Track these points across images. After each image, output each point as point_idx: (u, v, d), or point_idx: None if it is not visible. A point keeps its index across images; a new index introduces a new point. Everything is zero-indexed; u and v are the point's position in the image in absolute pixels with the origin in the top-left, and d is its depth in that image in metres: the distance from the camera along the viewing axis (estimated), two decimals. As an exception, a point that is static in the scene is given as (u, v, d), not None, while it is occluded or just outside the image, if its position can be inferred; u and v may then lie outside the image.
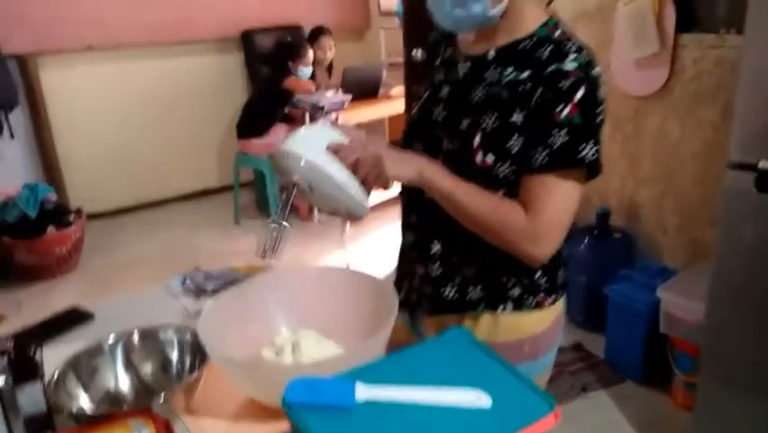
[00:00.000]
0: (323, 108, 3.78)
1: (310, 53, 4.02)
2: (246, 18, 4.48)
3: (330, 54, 4.23)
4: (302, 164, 0.98)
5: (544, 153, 0.98)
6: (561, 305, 1.18)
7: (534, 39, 1.03)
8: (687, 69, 2.40)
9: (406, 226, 1.23)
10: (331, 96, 3.88)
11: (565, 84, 0.96)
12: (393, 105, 4.15)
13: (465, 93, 1.07)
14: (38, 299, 3.20)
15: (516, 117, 1.00)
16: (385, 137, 4.58)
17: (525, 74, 1.01)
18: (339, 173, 1.01)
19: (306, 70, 4.01)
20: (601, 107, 1.00)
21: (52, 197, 3.58)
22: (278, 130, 4.00)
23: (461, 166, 1.04)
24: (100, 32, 4.06)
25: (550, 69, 0.98)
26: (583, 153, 0.97)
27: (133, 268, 3.61)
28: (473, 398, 0.79)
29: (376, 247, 3.57)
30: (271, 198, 4.03)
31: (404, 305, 1.22)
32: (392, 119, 4.38)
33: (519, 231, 1.00)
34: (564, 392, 2.31)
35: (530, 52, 1.02)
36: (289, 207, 1.03)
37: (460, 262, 1.12)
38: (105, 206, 4.37)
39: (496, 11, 1.01)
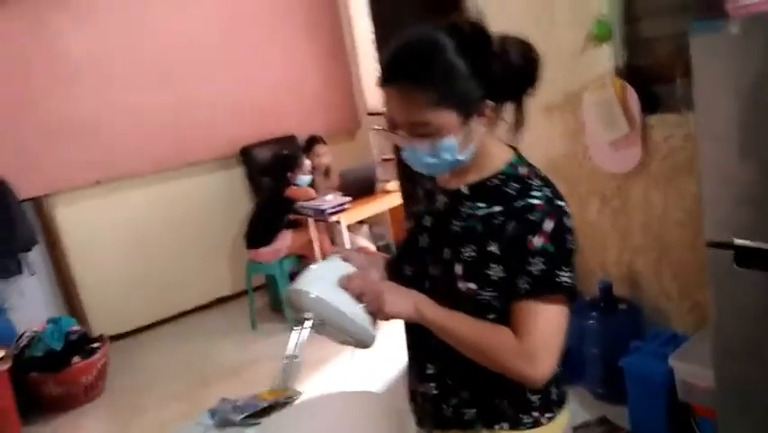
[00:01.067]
0: (325, 211, 3.95)
1: (306, 162, 4.25)
2: (243, 135, 4.75)
3: (325, 160, 4.46)
4: (313, 301, 1.09)
5: (525, 281, 1.06)
6: (562, 422, 1.22)
7: (503, 176, 1.14)
8: (659, 147, 2.55)
9: (407, 345, 1.32)
10: (331, 199, 4.06)
11: (534, 216, 1.06)
12: (390, 198, 4.32)
13: (445, 224, 1.18)
14: (70, 428, 3.28)
15: (492, 248, 1.09)
16: (389, 230, 4.74)
17: (497, 209, 1.11)
18: (348, 307, 1.11)
19: (304, 178, 4.23)
20: (570, 235, 1.09)
21: (75, 327, 3.71)
22: (284, 236, 4.18)
23: (447, 291, 1.14)
24: (106, 168, 4.30)
25: (519, 204, 1.09)
26: (561, 279, 1.07)
27: (157, 386, 3.68)
28: None
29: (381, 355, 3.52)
30: (285, 300, 4.13)
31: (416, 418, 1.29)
32: (392, 211, 4.55)
33: (513, 352, 1.06)
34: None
35: (499, 188, 1.13)
36: (303, 341, 1.13)
37: (454, 384, 1.19)
38: (126, 327, 4.49)
39: (465, 156, 1.12)
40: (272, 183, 4.32)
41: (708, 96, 1.69)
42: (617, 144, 2.66)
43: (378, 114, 5.01)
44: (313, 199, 4.14)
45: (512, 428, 1.17)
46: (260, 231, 4.19)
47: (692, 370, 2.17)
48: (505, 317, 1.11)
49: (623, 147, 2.65)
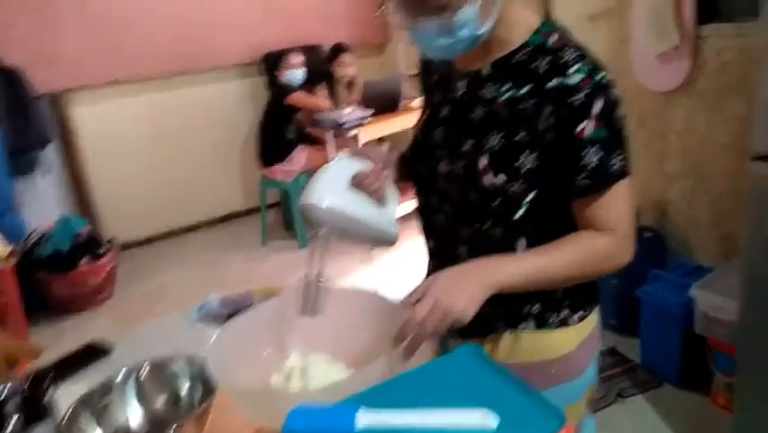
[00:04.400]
0: (343, 125, 3.79)
1: (293, 56, 4.00)
2: (266, 41, 4.55)
3: (350, 70, 4.24)
4: (325, 212, 0.98)
5: (584, 176, 0.94)
6: (592, 322, 1.11)
7: (530, 48, 0.97)
8: (710, 62, 2.33)
9: (427, 250, 1.20)
10: (350, 112, 3.89)
11: (577, 99, 0.91)
12: (414, 116, 4.13)
13: (464, 113, 1.04)
14: (75, 332, 3.28)
15: (522, 136, 0.96)
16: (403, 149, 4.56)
17: (525, 90, 0.96)
18: (366, 211, 1.02)
19: (291, 74, 3.97)
20: (620, 111, 0.95)
21: (85, 229, 3.68)
22: (300, 154, 4.03)
23: (470, 189, 1.01)
24: (125, 66, 4.17)
25: (553, 84, 0.93)
26: (620, 164, 0.95)
27: (166, 294, 3.68)
28: (479, 418, 0.77)
29: (404, 259, 3.56)
30: (297, 218, 4.06)
31: None
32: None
33: (614, 255, 0.98)
34: (600, 399, 2.24)
35: (526, 65, 0.97)
36: (323, 259, 1.01)
37: None
38: (138, 234, 4.48)
39: (485, 28, 0.95)
40: (271, 94, 4.11)
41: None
42: (664, 58, 2.44)
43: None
44: (318, 106, 3.92)
45: (538, 327, 1.07)
46: (270, 146, 4.03)
47: (715, 301, 2.04)
48: (535, 208, 0.99)
49: (670, 61, 2.43)
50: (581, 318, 1.08)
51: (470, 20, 0.92)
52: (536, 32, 0.98)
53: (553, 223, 1.01)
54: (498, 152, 0.98)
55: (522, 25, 0.99)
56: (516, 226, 1.01)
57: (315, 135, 4.09)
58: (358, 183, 1.04)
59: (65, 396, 1.02)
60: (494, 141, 0.98)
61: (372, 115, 3.94)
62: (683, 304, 2.17)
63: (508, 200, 0.99)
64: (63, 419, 0.96)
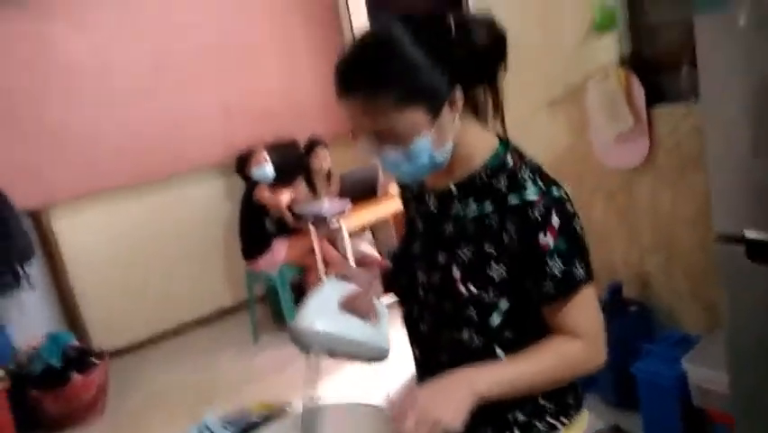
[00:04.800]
0: (325, 218, 3.86)
1: (257, 154, 4.12)
2: (238, 139, 4.59)
3: (326, 164, 4.36)
4: (319, 337, 1.02)
5: (550, 285, 1.00)
6: (581, 424, 1.15)
7: (489, 170, 1.06)
8: (665, 140, 2.45)
9: (413, 358, 1.24)
10: (329, 203, 3.98)
11: (535, 214, 0.98)
12: (393, 202, 4.22)
13: (437, 227, 1.11)
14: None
15: (489, 249, 1.02)
16: (393, 236, 4.63)
17: (489, 207, 1.03)
18: (357, 331, 1.06)
19: (260, 170, 4.08)
20: (577, 222, 1.03)
21: (74, 343, 3.64)
22: (279, 245, 4.08)
23: (446, 298, 1.06)
24: (101, 178, 4.24)
25: (512, 202, 1.00)
26: (583, 272, 1.01)
27: (159, 405, 3.60)
28: None
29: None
30: (286, 310, 4.07)
31: None
32: (396, 216, 4.44)
33: (585, 361, 1.03)
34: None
35: (487, 184, 1.05)
36: (318, 375, 1.05)
37: None
38: (127, 340, 4.41)
39: (443, 156, 1.04)
40: (244, 189, 4.21)
41: (714, 83, 1.60)
42: (622, 139, 2.56)
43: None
44: (278, 204, 4.03)
45: None
46: (250, 241, 4.11)
47: (706, 373, 2.07)
48: (509, 316, 1.05)
49: (628, 141, 2.55)
50: (568, 424, 1.12)
51: (424, 148, 1.01)
52: (495, 155, 1.07)
53: (529, 330, 1.06)
54: (469, 264, 1.04)
55: (481, 146, 1.08)
56: (494, 335, 1.06)
57: (294, 226, 4.15)
58: (348, 304, 1.09)
59: None
60: (465, 254, 1.05)
61: (352, 204, 4.02)
62: (677, 377, 2.19)
63: (483, 309, 1.04)
64: None
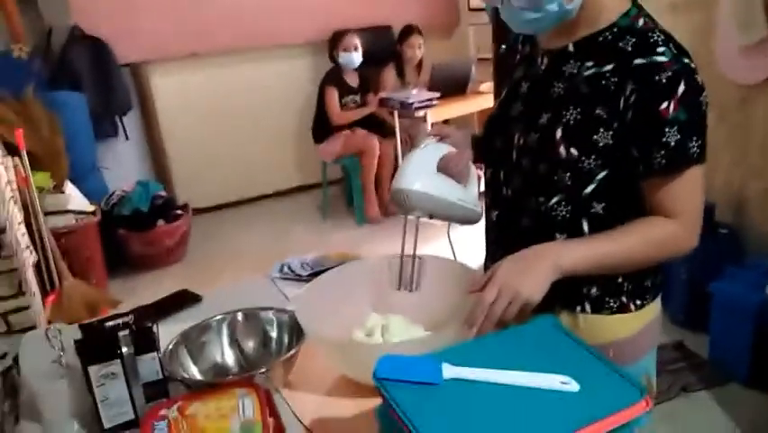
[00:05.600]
0: (411, 105, 3.82)
1: (347, 39, 4.07)
2: (337, 20, 4.58)
3: (419, 52, 4.25)
4: (417, 198, 1.03)
5: (662, 154, 0.94)
6: (652, 311, 1.11)
7: (616, 30, 0.98)
8: (801, 53, 2.24)
9: (489, 224, 1.22)
10: (417, 93, 3.91)
11: (662, 78, 0.91)
12: (482, 100, 4.11)
13: (545, 88, 1.05)
14: (149, 287, 3.45)
15: (600, 111, 0.96)
16: (475, 130, 4.55)
17: (608, 67, 0.97)
18: (453, 192, 1.07)
19: (346, 56, 4.06)
20: (703, 97, 0.95)
21: (162, 193, 3.86)
22: (335, 139, 4.12)
23: (542, 160, 1.02)
24: (203, 40, 4.31)
25: (638, 62, 0.93)
26: (697, 149, 0.94)
27: (235, 258, 3.82)
28: (560, 382, 0.79)
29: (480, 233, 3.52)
30: (355, 195, 4.19)
31: None
32: (480, 114, 4.34)
33: (679, 242, 0.99)
34: (663, 391, 2.21)
35: (612, 44, 0.97)
36: (417, 238, 1.08)
37: None
38: (209, 201, 4.65)
39: (573, 4, 0.97)
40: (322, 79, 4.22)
41: None
42: (750, 50, 2.35)
43: (480, 9, 4.69)
44: (338, 120, 4.06)
45: (594, 311, 1.07)
46: (315, 125, 4.21)
47: (794, 301, 1.98)
48: (604, 188, 1.00)
49: (755, 54, 2.34)
50: (641, 306, 1.08)
51: None
52: (625, 14, 0.99)
53: (620, 208, 1.01)
54: (574, 127, 0.99)
55: (611, 8, 1.00)
56: (583, 205, 1.02)
57: (378, 115, 4.15)
58: (443, 166, 1.08)
59: (164, 334, 1.11)
60: (571, 115, 0.99)
61: (440, 97, 3.94)
62: (758, 302, 2.12)
63: (579, 175, 0.99)
64: (166, 351, 1.05)
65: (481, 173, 1.23)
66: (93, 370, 0.98)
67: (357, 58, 4.10)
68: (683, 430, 2.06)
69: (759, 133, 2.44)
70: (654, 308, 1.12)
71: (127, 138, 4.19)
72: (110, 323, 1.04)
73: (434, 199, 1.05)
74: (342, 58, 4.09)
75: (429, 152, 1.09)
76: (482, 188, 1.21)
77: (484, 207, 1.21)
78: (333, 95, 4.08)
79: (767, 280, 2.11)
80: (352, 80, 4.19)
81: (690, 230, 0.99)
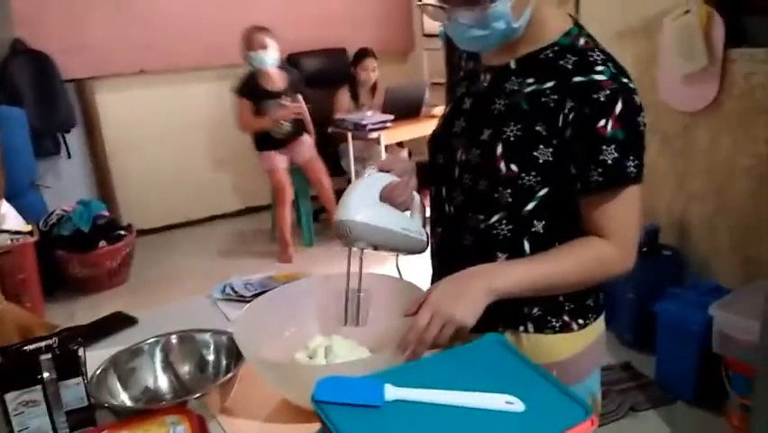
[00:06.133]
0: (365, 126, 3.82)
1: (255, 37, 3.78)
2: (292, 42, 4.56)
3: (373, 75, 4.27)
4: (360, 227, 1.00)
5: (599, 172, 0.94)
6: (595, 331, 1.10)
7: (557, 48, 0.99)
8: (737, 85, 2.33)
9: (434, 242, 1.19)
10: (372, 115, 3.92)
11: (600, 96, 0.92)
12: (434, 123, 4.11)
13: (487, 104, 1.04)
14: (89, 311, 3.27)
15: (540, 128, 0.97)
16: (425, 155, 4.57)
17: (549, 84, 0.97)
18: (397, 222, 1.05)
19: (257, 55, 3.77)
20: (641, 117, 0.96)
21: (105, 213, 3.72)
22: (271, 155, 3.98)
23: (483, 177, 1.01)
24: (151, 57, 4.23)
25: (577, 80, 0.94)
26: (632, 168, 0.94)
27: (180, 281, 3.71)
28: (505, 402, 0.77)
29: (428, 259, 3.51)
30: (303, 216, 4.16)
31: None
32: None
33: (615, 264, 0.98)
34: (612, 411, 2.23)
35: (553, 62, 0.98)
36: (362, 271, 1.04)
37: None
38: (155, 222, 4.51)
39: (520, 22, 0.97)
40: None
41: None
42: (691, 79, 2.45)
43: (434, 35, 4.76)
44: (251, 126, 3.94)
45: (537, 330, 1.06)
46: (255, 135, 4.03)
47: (735, 321, 2.02)
48: (545, 205, 1.00)
49: (697, 82, 2.43)
50: (583, 326, 1.07)
51: (504, 12, 0.94)
52: (566, 34, 1.00)
53: (561, 227, 1.01)
54: (515, 143, 0.98)
55: (553, 26, 1.01)
56: (524, 223, 1.01)
57: (334, 135, 4.10)
58: (387, 196, 1.05)
59: (95, 359, 1.04)
60: (512, 131, 0.99)
61: (394, 120, 3.96)
62: (701, 322, 2.16)
63: (519, 193, 0.99)
64: (93, 376, 0.98)
65: (427, 202, 1.21)
66: (10, 397, 0.91)
67: (269, 57, 3.81)
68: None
69: (700, 159, 2.53)
70: (598, 327, 1.11)
71: (69, 156, 4.05)
72: (30, 346, 0.97)
73: (378, 230, 1.01)
74: (253, 59, 3.81)
75: (372, 182, 1.06)
76: (428, 213, 1.19)
77: (429, 226, 1.19)
78: (243, 105, 3.86)
79: (709, 300, 2.16)
80: (271, 83, 3.89)
81: (626, 252, 0.98)
